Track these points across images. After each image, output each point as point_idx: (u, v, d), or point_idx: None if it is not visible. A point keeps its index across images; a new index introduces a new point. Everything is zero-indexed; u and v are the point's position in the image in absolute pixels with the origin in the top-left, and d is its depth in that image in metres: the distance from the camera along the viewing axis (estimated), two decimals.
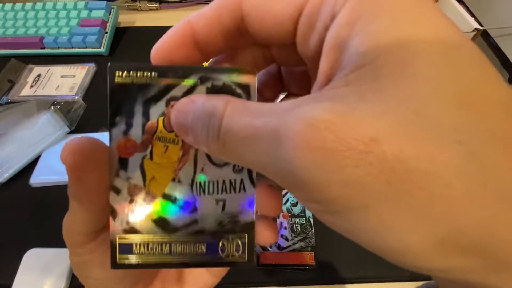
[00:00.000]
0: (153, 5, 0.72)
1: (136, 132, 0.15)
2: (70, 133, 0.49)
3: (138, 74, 0.14)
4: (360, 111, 0.08)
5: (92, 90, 0.57)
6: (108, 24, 0.64)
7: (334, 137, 0.08)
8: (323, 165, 0.08)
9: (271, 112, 0.10)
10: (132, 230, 0.15)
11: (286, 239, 0.42)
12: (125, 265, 0.15)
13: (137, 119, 0.15)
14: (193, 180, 0.16)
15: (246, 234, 0.16)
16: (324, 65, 0.11)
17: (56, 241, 0.40)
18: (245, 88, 0.15)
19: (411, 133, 0.08)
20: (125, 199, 0.15)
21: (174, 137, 0.15)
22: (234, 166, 0.16)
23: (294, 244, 0.41)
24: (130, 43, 0.65)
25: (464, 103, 0.08)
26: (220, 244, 0.16)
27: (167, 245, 0.16)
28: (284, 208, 0.44)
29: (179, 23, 0.14)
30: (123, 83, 0.14)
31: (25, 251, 0.39)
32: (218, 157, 0.15)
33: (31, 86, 0.56)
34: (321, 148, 0.08)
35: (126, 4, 0.72)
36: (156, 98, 0.15)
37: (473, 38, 0.55)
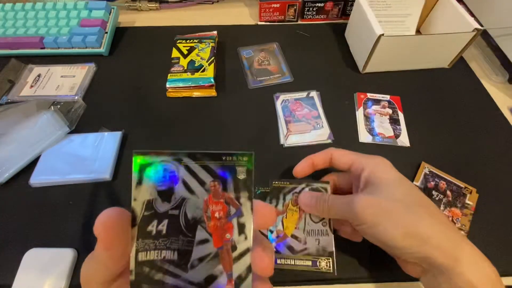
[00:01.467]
0: (153, 5, 0.72)
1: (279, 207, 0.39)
2: (70, 133, 0.49)
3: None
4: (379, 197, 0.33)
5: (92, 90, 0.57)
6: (108, 24, 0.64)
7: (369, 201, 0.33)
8: (370, 210, 0.32)
9: (347, 197, 0.34)
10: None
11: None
12: None
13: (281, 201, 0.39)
14: (304, 229, 0.38)
15: (330, 258, 0.37)
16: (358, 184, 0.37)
17: (56, 241, 0.40)
18: (325, 189, 0.38)
19: (389, 204, 0.32)
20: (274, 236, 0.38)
21: (296, 209, 0.38)
22: (323, 223, 0.38)
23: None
24: (130, 43, 0.65)
25: (411, 202, 0.32)
26: (318, 261, 0.36)
27: (293, 260, 0.37)
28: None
29: (307, 159, 0.40)
30: (277, 187, 0.39)
31: (25, 251, 0.39)
32: (321, 216, 0.38)
33: (31, 86, 0.56)
34: (373, 207, 0.32)
35: (126, 4, 0.72)
36: (288, 191, 0.39)
37: (473, 38, 0.54)
